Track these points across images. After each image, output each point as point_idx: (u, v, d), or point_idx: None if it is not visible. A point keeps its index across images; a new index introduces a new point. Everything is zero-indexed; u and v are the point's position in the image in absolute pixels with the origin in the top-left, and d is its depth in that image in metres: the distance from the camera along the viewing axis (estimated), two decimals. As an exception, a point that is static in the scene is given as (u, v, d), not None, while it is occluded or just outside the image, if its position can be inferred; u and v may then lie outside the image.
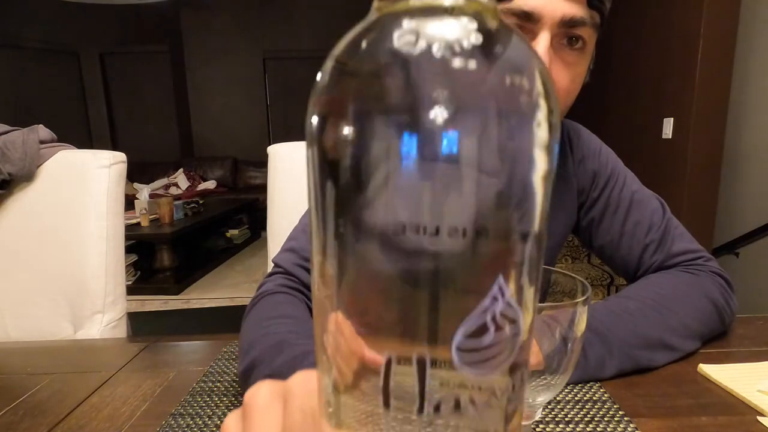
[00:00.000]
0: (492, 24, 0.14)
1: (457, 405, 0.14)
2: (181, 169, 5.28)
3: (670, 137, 2.44)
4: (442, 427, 0.14)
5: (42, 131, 0.95)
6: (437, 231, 0.13)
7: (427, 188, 0.13)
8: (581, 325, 0.31)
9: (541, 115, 0.13)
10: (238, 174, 5.47)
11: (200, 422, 0.45)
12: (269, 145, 1.06)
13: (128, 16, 5.04)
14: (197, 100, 5.72)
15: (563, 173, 0.70)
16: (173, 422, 0.45)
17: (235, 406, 0.47)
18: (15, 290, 0.91)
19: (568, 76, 0.56)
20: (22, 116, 1.62)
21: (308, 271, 0.61)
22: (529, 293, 0.15)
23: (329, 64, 0.14)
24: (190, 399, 0.49)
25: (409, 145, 0.12)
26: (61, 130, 0.98)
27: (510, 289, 0.14)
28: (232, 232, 4.37)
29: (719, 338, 0.60)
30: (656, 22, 2.58)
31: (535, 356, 0.32)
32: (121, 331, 0.93)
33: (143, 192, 3.83)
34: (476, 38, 0.13)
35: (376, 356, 0.14)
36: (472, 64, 0.12)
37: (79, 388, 0.53)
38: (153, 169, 5.26)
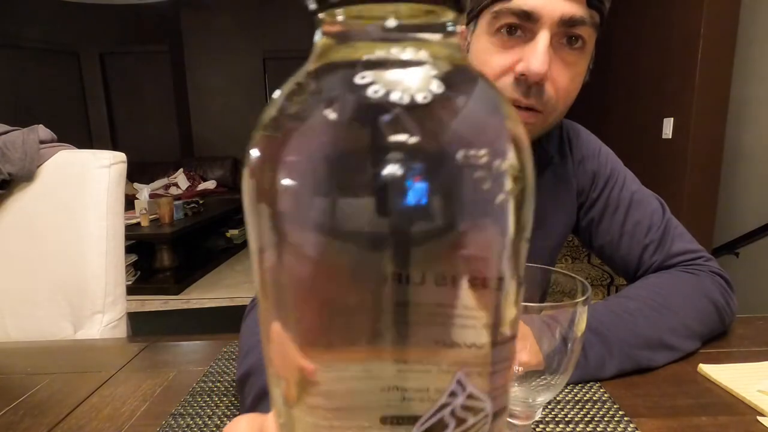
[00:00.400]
0: (456, 77, 0.13)
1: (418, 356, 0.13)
2: (181, 169, 5.28)
3: (670, 137, 2.44)
4: (403, 390, 0.13)
5: (42, 131, 0.95)
6: (374, 270, 0.12)
7: (369, 238, 0.12)
8: (581, 325, 0.31)
9: (507, 165, 0.12)
10: (238, 174, 5.47)
11: (200, 422, 0.45)
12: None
13: (128, 16, 5.04)
14: (197, 100, 5.71)
15: (563, 174, 0.70)
16: (173, 422, 0.45)
17: (235, 407, 0.47)
18: (15, 290, 0.91)
19: (568, 76, 0.56)
20: (22, 116, 1.62)
21: None
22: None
23: (272, 110, 0.14)
24: (190, 399, 0.49)
25: (357, 200, 0.12)
26: (61, 130, 0.98)
27: (470, 384, 0.13)
28: (232, 232, 4.37)
29: (719, 338, 0.60)
30: (656, 22, 2.58)
31: (535, 356, 0.32)
32: (121, 331, 0.93)
33: (143, 192, 3.83)
34: (436, 89, 0.12)
35: (310, 366, 0.14)
36: (428, 118, 0.12)
37: (79, 388, 0.53)
38: (153, 169, 5.26)
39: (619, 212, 0.68)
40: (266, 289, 0.14)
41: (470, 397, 0.13)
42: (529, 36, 0.54)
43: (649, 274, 0.66)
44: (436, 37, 0.13)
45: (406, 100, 0.11)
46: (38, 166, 0.92)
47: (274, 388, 0.15)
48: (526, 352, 0.32)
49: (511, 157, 0.12)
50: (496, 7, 0.54)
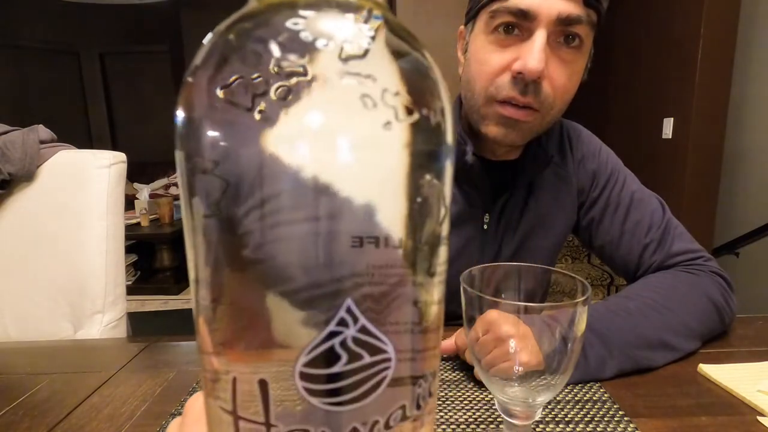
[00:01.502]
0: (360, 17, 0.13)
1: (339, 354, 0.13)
2: (181, 169, 5.27)
3: (670, 137, 2.44)
4: (324, 391, 0.13)
5: (42, 131, 0.95)
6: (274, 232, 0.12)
7: (278, 191, 0.12)
8: (581, 325, 0.31)
9: (392, 115, 0.12)
10: (238, 174, 5.47)
11: (200, 422, 0.45)
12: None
13: (128, 16, 5.04)
14: (197, 100, 5.71)
15: (564, 173, 0.70)
16: (173, 422, 0.45)
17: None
18: (15, 290, 0.91)
19: (566, 74, 0.56)
20: (22, 116, 1.62)
21: None
22: (423, 311, 0.14)
23: (201, 54, 0.14)
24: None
25: (267, 153, 0.12)
26: (61, 130, 0.98)
27: (363, 314, 0.13)
28: (232, 232, 4.37)
29: (719, 338, 0.60)
30: (656, 22, 2.58)
31: (535, 356, 0.32)
32: (121, 331, 0.93)
33: (143, 192, 3.83)
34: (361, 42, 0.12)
35: (215, 363, 0.14)
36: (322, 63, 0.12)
37: (79, 388, 0.53)
38: (153, 169, 5.25)
39: (620, 212, 0.68)
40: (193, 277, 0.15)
41: (364, 331, 0.13)
42: (526, 35, 0.54)
43: (649, 273, 0.66)
44: None
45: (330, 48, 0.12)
46: (38, 166, 0.92)
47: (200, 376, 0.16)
48: (527, 352, 0.32)
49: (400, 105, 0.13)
50: (494, 6, 0.54)
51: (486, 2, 0.56)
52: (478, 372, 0.41)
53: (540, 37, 0.52)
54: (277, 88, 0.12)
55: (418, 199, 0.13)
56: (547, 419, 0.44)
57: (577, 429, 0.42)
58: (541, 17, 0.52)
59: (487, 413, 0.45)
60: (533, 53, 0.52)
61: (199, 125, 0.13)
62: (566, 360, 0.31)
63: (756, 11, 2.25)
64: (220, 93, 0.12)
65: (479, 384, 0.50)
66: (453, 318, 0.74)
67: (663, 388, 0.49)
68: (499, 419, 0.44)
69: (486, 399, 0.47)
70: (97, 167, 0.91)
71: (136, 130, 5.60)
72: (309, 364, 0.13)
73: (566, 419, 0.44)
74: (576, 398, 0.47)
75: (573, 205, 0.72)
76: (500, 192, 0.68)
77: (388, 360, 0.14)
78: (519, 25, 0.54)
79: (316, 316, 0.13)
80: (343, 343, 0.13)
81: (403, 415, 0.14)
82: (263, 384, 0.13)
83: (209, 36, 0.14)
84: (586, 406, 0.45)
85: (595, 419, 0.43)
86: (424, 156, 0.13)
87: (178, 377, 0.55)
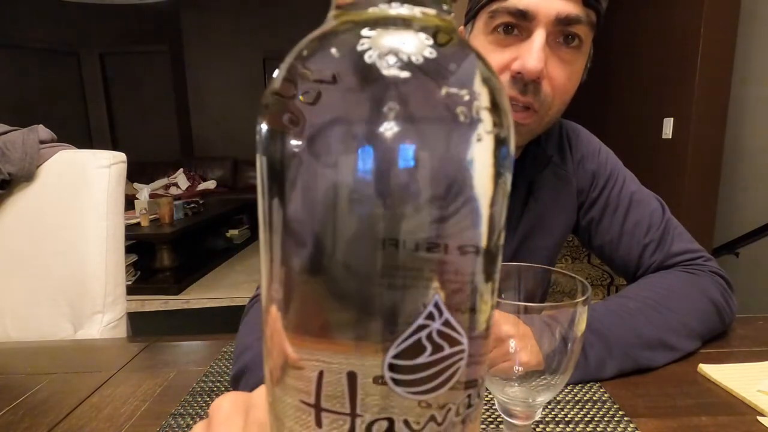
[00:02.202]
0: (445, 39, 0.14)
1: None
2: (181, 169, 5.28)
3: (670, 137, 2.44)
4: (384, 383, 0.14)
5: (42, 131, 0.95)
6: (370, 240, 0.13)
7: (364, 197, 0.13)
8: (581, 325, 0.31)
9: (483, 129, 0.13)
10: (238, 174, 5.47)
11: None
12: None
13: (128, 16, 5.04)
14: (197, 100, 5.71)
15: (563, 173, 0.70)
16: (173, 422, 0.45)
17: (235, 406, 0.47)
18: (15, 290, 0.91)
19: (565, 74, 0.56)
20: (22, 116, 1.62)
21: None
22: (481, 316, 0.15)
23: (283, 71, 0.15)
24: (190, 399, 0.49)
25: (353, 156, 0.12)
26: (61, 130, 0.98)
27: (446, 309, 0.14)
28: (232, 232, 4.37)
29: (719, 338, 0.60)
30: (656, 22, 2.58)
31: (535, 356, 0.32)
32: (121, 331, 0.93)
33: (143, 192, 3.83)
34: (429, 53, 0.13)
35: (294, 355, 0.14)
36: (418, 80, 0.13)
37: (79, 388, 0.53)
38: (153, 169, 5.26)
39: (619, 212, 0.68)
40: (267, 273, 0.15)
41: (447, 324, 0.14)
42: (526, 35, 0.54)
43: (649, 273, 0.66)
44: (431, 11, 0.14)
45: (399, 64, 0.13)
46: (38, 166, 0.92)
47: (265, 365, 0.17)
48: (527, 352, 0.32)
49: (488, 120, 0.14)
50: (493, 6, 0.54)
51: (485, 2, 0.56)
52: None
53: (539, 36, 0.53)
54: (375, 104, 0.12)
55: (496, 208, 0.15)
56: (547, 419, 0.44)
57: (577, 429, 0.42)
58: (540, 17, 0.52)
59: (487, 413, 0.45)
60: (532, 53, 0.52)
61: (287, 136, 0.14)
62: (566, 360, 0.31)
63: (756, 11, 2.25)
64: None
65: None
66: None
67: (663, 388, 0.49)
68: (499, 419, 0.44)
69: (486, 399, 0.47)
70: (97, 167, 0.91)
71: (136, 130, 5.60)
72: (398, 356, 0.14)
73: (566, 419, 0.44)
74: (576, 398, 0.47)
75: (573, 205, 0.72)
76: None
77: (463, 351, 0.15)
78: (518, 26, 0.54)
79: (407, 310, 0.13)
80: (429, 336, 0.14)
81: (468, 403, 0.16)
82: (352, 376, 0.14)
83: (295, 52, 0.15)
84: (586, 406, 0.45)
85: (595, 419, 0.43)
86: (500, 167, 0.14)
87: (178, 377, 0.55)
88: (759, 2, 2.24)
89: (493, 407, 0.46)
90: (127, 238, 1.19)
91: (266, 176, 0.14)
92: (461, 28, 0.64)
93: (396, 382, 0.14)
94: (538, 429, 0.42)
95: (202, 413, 0.46)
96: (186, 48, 5.60)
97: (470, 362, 0.15)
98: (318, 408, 0.14)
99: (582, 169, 0.71)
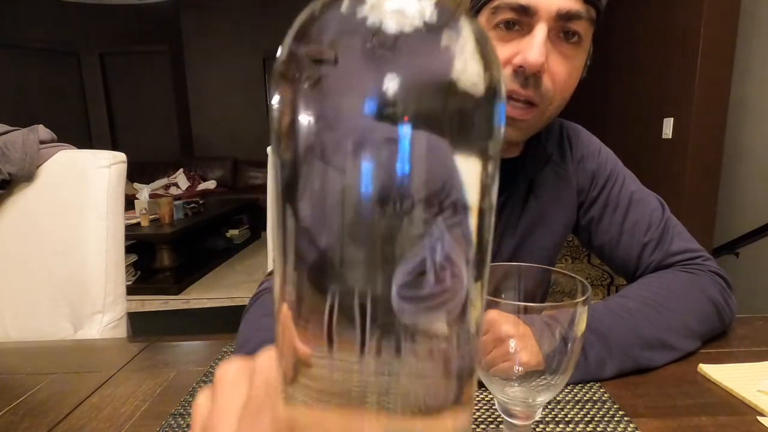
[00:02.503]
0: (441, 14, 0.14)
1: (398, 349, 0.14)
2: (181, 169, 5.28)
3: (670, 137, 2.44)
4: (385, 376, 0.14)
5: (42, 131, 0.95)
6: (377, 196, 0.13)
7: (368, 155, 0.13)
8: (581, 325, 0.31)
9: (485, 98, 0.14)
10: (238, 174, 5.47)
11: (200, 422, 0.45)
12: (269, 145, 1.06)
13: (128, 16, 5.04)
14: (197, 100, 5.71)
15: (563, 172, 0.71)
16: (173, 422, 0.45)
17: (235, 406, 0.47)
18: (15, 290, 0.91)
19: (566, 69, 0.57)
20: (22, 116, 1.62)
21: None
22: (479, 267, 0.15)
23: (287, 45, 0.15)
24: (190, 399, 0.49)
25: (357, 122, 0.12)
26: (61, 130, 0.98)
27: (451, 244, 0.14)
28: (232, 232, 4.37)
29: (719, 338, 0.60)
30: (656, 22, 2.58)
31: (535, 356, 0.32)
32: (121, 331, 0.93)
33: (143, 192, 3.83)
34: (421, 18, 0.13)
35: (305, 348, 0.15)
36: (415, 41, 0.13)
37: (79, 388, 0.53)
38: (153, 169, 5.26)
39: (619, 211, 0.69)
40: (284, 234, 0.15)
41: (448, 256, 0.14)
42: (527, 30, 0.55)
43: (648, 272, 0.66)
44: None
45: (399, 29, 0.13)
46: (38, 166, 0.92)
47: (278, 364, 0.17)
48: (527, 351, 0.32)
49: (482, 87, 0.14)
50: (496, 2, 0.55)
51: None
52: (478, 372, 0.41)
53: (540, 31, 0.53)
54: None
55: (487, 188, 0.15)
56: (547, 419, 0.44)
57: (577, 429, 0.42)
58: (541, 12, 0.53)
59: (487, 413, 0.45)
60: (534, 47, 0.53)
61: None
62: (566, 360, 0.31)
63: (756, 11, 2.25)
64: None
65: (479, 384, 0.50)
66: None
67: (663, 388, 0.49)
68: (499, 419, 0.44)
69: (486, 399, 0.47)
70: (97, 167, 0.91)
71: (136, 130, 5.60)
72: (407, 275, 0.14)
73: (566, 419, 0.44)
74: (576, 398, 0.47)
75: (573, 204, 0.72)
76: (501, 191, 0.69)
77: (463, 283, 0.15)
78: (520, 21, 0.55)
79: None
80: (433, 260, 0.14)
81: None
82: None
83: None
84: (586, 406, 0.45)
85: (595, 419, 0.43)
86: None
87: (178, 377, 0.55)
88: (759, 2, 2.24)
89: (493, 407, 0.46)
90: (127, 238, 1.19)
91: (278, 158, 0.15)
92: None
93: (402, 300, 0.14)
94: (538, 429, 0.42)
95: (202, 413, 0.47)
96: (186, 48, 5.60)
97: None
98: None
99: (582, 168, 0.71)
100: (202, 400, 0.23)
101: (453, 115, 0.13)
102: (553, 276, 0.36)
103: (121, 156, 0.95)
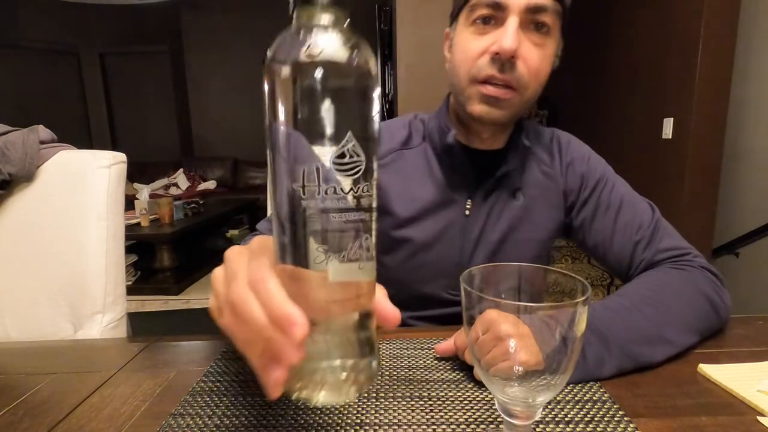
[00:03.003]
0: (348, 35, 0.28)
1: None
2: (181, 169, 5.28)
3: (670, 137, 2.44)
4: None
5: (42, 131, 0.95)
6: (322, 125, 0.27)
7: (315, 111, 0.27)
8: (581, 325, 0.31)
9: (373, 74, 0.28)
10: (238, 174, 5.47)
11: (200, 422, 0.45)
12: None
13: (128, 16, 5.04)
14: (197, 100, 5.71)
15: (551, 172, 0.76)
16: (173, 422, 0.45)
17: (235, 407, 0.48)
18: (15, 290, 0.91)
19: (538, 55, 0.64)
20: (22, 116, 1.62)
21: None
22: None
23: (269, 53, 0.28)
24: (190, 399, 0.49)
25: (308, 95, 0.27)
26: (61, 130, 0.98)
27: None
28: (232, 232, 4.37)
29: (719, 338, 0.60)
30: (656, 22, 2.58)
31: (535, 356, 0.32)
32: (121, 331, 0.93)
33: (143, 192, 3.83)
34: (342, 45, 0.28)
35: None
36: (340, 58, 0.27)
37: (79, 388, 0.53)
38: (153, 169, 5.25)
39: (611, 212, 0.72)
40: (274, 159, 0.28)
41: (355, 147, 0.27)
42: (501, 23, 0.63)
43: (640, 270, 0.68)
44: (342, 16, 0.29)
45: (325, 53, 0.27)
46: (38, 167, 0.92)
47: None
48: (526, 351, 0.32)
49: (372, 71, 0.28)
50: (472, 1, 0.64)
51: (465, 0, 0.66)
52: (478, 372, 0.41)
53: (512, 22, 0.61)
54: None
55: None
56: (547, 419, 0.44)
57: (577, 429, 0.42)
58: (512, 6, 0.61)
59: (487, 413, 0.45)
60: (507, 35, 0.61)
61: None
62: (566, 360, 0.31)
63: (756, 11, 2.25)
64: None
65: (479, 384, 0.50)
66: (434, 300, 0.76)
67: (663, 388, 0.49)
68: (499, 419, 0.44)
69: (486, 399, 0.47)
70: (97, 167, 0.91)
71: (136, 130, 5.60)
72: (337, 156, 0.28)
73: (566, 419, 0.44)
74: (576, 398, 0.47)
75: (559, 203, 0.76)
76: (484, 179, 0.73)
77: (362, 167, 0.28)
78: (494, 16, 0.63)
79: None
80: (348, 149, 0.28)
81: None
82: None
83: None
84: (586, 406, 0.45)
85: (595, 419, 0.43)
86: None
87: (178, 377, 0.55)
88: (759, 2, 2.24)
89: (493, 407, 0.46)
90: (127, 238, 1.19)
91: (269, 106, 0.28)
92: (447, 29, 0.73)
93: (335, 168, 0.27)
94: (538, 429, 0.42)
95: (202, 413, 0.47)
96: (186, 48, 5.60)
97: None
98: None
99: (571, 171, 0.76)
100: (218, 270, 0.34)
101: (355, 79, 0.28)
102: (553, 276, 0.36)
103: (121, 156, 0.95)
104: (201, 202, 3.89)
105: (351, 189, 0.27)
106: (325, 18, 0.27)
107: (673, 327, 0.54)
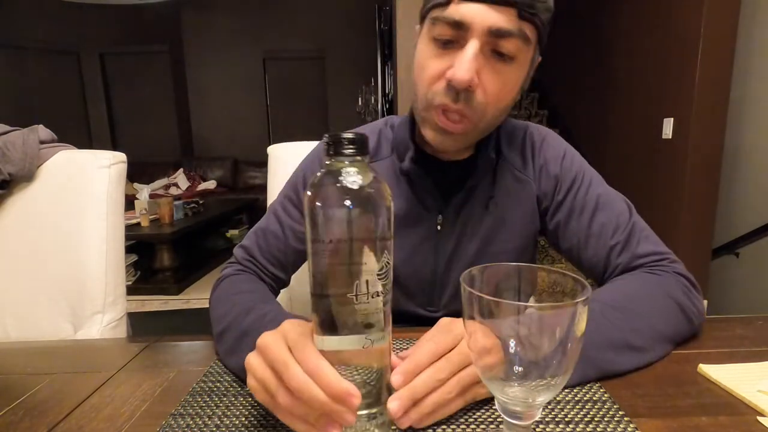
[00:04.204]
0: (368, 178, 0.37)
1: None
2: (181, 169, 5.28)
3: (670, 137, 2.45)
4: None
5: (42, 131, 0.95)
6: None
7: (346, 231, 0.36)
8: (581, 325, 0.31)
9: (384, 208, 0.37)
10: (238, 174, 5.47)
11: (200, 422, 0.45)
12: (269, 145, 1.06)
13: (128, 16, 5.04)
14: (197, 100, 5.71)
15: (523, 177, 0.72)
16: (173, 422, 0.45)
17: (235, 407, 0.48)
18: (15, 290, 0.91)
19: (497, 84, 0.58)
20: (22, 116, 1.62)
21: (252, 263, 0.72)
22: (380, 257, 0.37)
23: (309, 188, 0.37)
24: (190, 399, 0.49)
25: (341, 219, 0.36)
26: (61, 130, 0.99)
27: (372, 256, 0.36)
28: (232, 232, 4.37)
29: (719, 338, 0.60)
30: (656, 22, 2.58)
31: (465, 356, 0.42)
32: (121, 331, 0.93)
33: (143, 192, 3.83)
34: (364, 186, 0.37)
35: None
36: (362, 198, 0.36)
37: (79, 388, 0.53)
38: (153, 169, 5.26)
39: (585, 214, 0.68)
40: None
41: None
42: (462, 44, 0.56)
43: (616, 274, 0.65)
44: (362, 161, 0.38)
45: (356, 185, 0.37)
46: (38, 166, 0.92)
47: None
48: (460, 356, 0.42)
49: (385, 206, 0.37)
50: (435, 14, 0.58)
51: (429, 8, 0.59)
52: (478, 372, 0.41)
53: (471, 47, 0.55)
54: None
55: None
56: (547, 419, 0.44)
57: (577, 429, 0.42)
58: (474, 27, 0.54)
59: (487, 413, 0.45)
60: (462, 63, 0.55)
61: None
62: (566, 360, 0.31)
63: (756, 11, 2.26)
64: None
65: (479, 384, 0.50)
66: (412, 318, 0.74)
67: (663, 388, 0.49)
68: (499, 419, 0.44)
69: (486, 399, 0.47)
70: (97, 167, 0.91)
71: (136, 130, 5.60)
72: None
73: (566, 419, 0.44)
74: (576, 398, 0.47)
75: (533, 208, 0.72)
76: (454, 191, 0.69)
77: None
78: (454, 38, 0.57)
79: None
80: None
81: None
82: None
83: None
84: (586, 406, 0.45)
85: (595, 419, 0.43)
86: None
87: (178, 377, 0.55)
88: (759, 2, 2.24)
89: (493, 407, 0.46)
90: (127, 238, 1.19)
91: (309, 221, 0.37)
92: (417, 27, 0.66)
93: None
94: (538, 429, 0.42)
95: (202, 413, 0.47)
96: (186, 48, 5.60)
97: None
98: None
99: (545, 173, 0.71)
100: (253, 358, 0.39)
101: (374, 216, 0.36)
102: (553, 276, 0.36)
103: (121, 156, 0.95)
104: (201, 202, 3.89)
105: (383, 289, 0.37)
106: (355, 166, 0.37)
107: (641, 334, 0.53)
